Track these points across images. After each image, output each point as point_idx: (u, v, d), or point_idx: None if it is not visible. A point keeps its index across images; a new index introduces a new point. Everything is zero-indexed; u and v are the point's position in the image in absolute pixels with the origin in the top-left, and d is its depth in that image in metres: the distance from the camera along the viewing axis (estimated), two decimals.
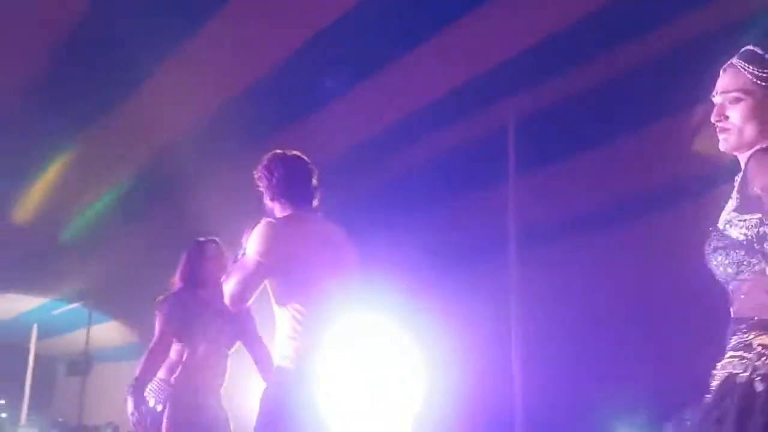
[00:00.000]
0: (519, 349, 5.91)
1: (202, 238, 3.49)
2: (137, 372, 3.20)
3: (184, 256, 3.46)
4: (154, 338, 3.30)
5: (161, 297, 3.40)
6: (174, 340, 3.31)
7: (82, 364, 10.64)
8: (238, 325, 3.33)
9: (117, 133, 6.45)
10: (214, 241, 3.45)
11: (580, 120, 6.03)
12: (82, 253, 8.62)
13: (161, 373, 3.28)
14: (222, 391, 3.37)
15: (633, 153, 6.13)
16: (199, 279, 3.38)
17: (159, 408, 3.20)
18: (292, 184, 2.72)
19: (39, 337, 12.05)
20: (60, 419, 11.20)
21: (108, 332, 11.28)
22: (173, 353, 3.32)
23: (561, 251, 7.03)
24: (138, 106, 5.96)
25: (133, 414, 3.11)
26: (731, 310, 1.66)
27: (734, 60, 1.69)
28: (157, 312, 3.32)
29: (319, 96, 5.84)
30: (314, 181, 2.77)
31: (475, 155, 6.43)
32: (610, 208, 6.72)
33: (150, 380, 3.24)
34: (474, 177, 6.73)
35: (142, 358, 3.28)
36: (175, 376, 3.26)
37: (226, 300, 2.63)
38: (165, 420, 3.16)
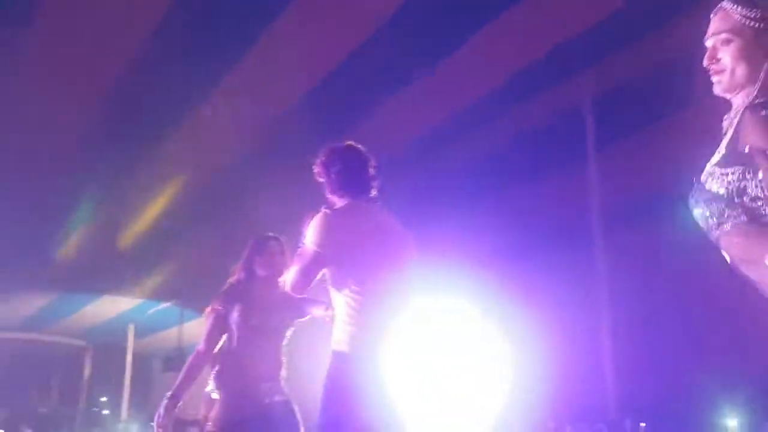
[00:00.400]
0: (608, 334, 5.77)
1: (268, 233, 3.60)
2: (178, 381, 3.33)
3: (246, 250, 3.56)
4: (202, 339, 3.40)
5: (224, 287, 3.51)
6: (226, 331, 3.40)
7: (176, 360, 11.03)
8: (292, 313, 3.42)
9: (192, 140, 6.69)
10: (276, 238, 3.54)
11: (661, 92, 5.81)
12: (171, 256, 9.00)
13: (223, 361, 3.38)
14: (282, 376, 3.42)
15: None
16: (256, 271, 3.46)
17: (214, 395, 3.33)
18: (349, 176, 2.81)
19: (135, 336, 12.62)
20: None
21: (198, 329, 11.67)
22: (229, 342, 3.40)
23: (647, 231, 6.80)
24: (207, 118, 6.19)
25: (157, 418, 3.23)
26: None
27: (724, 2, 1.67)
28: (213, 305, 3.44)
29: (384, 86, 5.84)
30: (371, 170, 2.86)
31: (553, 136, 6.29)
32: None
33: (185, 389, 3.32)
34: (553, 158, 6.58)
35: (187, 363, 3.40)
36: (224, 365, 3.36)
37: (288, 288, 2.77)
38: (217, 408, 3.29)
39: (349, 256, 2.66)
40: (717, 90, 1.71)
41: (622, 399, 5.76)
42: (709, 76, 1.71)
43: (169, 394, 3.29)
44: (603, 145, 6.09)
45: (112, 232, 8.35)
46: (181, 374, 3.33)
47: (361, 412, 2.56)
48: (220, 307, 3.39)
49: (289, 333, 3.46)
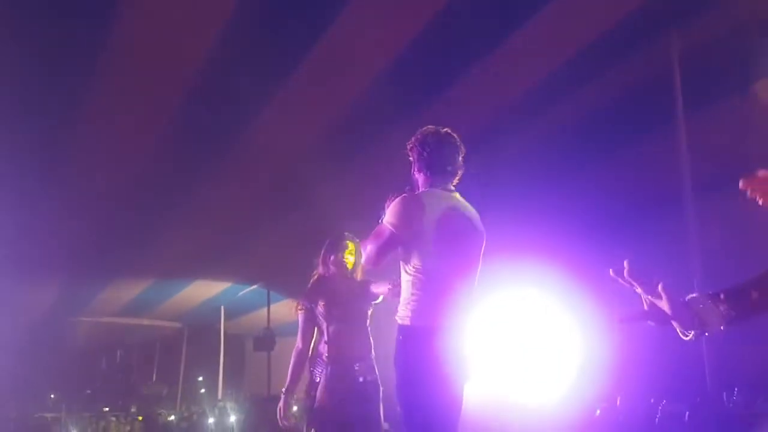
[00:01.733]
0: None
1: (346, 233, 3.98)
2: (288, 378, 3.82)
3: (323, 248, 3.96)
4: (298, 336, 3.84)
5: (309, 283, 3.95)
6: (316, 324, 3.82)
7: (266, 340, 11.41)
8: (367, 299, 3.80)
9: (272, 134, 6.84)
10: (349, 238, 3.92)
11: (752, 54, 5.47)
12: (257, 242, 9.26)
13: (319, 349, 3.81)
14: (372, 356, 3.79)
15: None
16: (333, 267, 3.87)
17: (318, 379, 3.73)
18: (441, 157, 2.93)
19: (226, 318, 13.12)
20: (251, 392, 12.13)
21: (285, 309, 12.02)
22: (321, 332, 3.82)
23: (740, 198, 6.44)
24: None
25: (281, 419, 3.76)
26: None
27: None
28: (300, 303, 3.86)
29: (461, 61, 5.75)
30: (460, 159, 2.96)
31: (639, 100, 6.02)
32: None
33: (296, 384, 3.84)
34: (638, 125, 6.31)
35: (291, 361, 3.84)
36: (320, 352, 3.77)
37: (363, 260, 2.97)
38: (320, 390, 3.68)
39: (423, 239, 2.79)
40: None
41: (719, 373, 5.53)
42: None
43: (283, 390, 3.81)
44: (692, 106, 5.79)
45: (203, 221, 8.68)
46: (289, 372, 3.81)
47: (432, 386, 2.67)
48: (306, 305, 3.81)
49: (370, 315, 3.84)
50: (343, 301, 3.77)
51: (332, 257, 3.86)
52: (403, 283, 2.90)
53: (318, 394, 3.66)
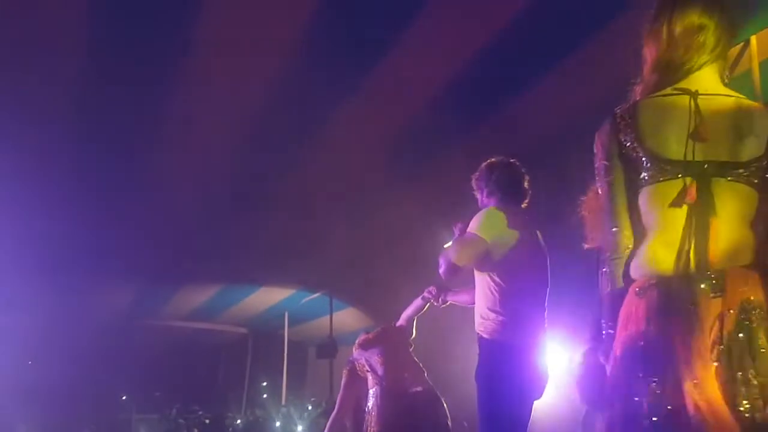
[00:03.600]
0: None
1: None
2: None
3: None
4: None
5: None
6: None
7: (329, 347, 11.50)
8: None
9: (334, 140, 6.89)
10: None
11: None
12: (321, 250, 9.39)
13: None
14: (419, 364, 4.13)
15: None
16: None
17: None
18: (509, 184, 3.14)
19: (290, 325, 13.30)
20: (313, 398, 12.24)
21: (348, 318, 12.13)
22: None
23: None
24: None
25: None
26: None
27: None
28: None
29: (539, 63, 5.64)
30: (525, 185, 3.16)
31: None
32: None
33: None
34: None
35: None
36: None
37: (442, 268, 2.97)
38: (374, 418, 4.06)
39: (503, 248, 2.82)
40: None
41: None
42: None
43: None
44: None
45: (268, 229, 8.87)
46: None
47: (516, 396, 2.68)
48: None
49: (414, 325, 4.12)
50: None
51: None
52: (478, 291, 2.94)
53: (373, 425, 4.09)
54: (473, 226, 2.96)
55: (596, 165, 1.79)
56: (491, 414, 2.78)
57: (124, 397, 14.13)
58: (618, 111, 1.79)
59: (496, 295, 2.86)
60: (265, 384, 15.57)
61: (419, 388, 3.78)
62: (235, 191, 8.03)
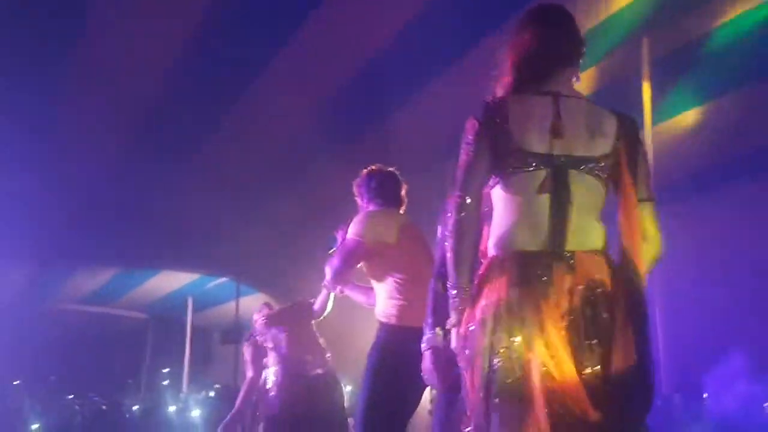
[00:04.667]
0: (663, 305, 5.64)
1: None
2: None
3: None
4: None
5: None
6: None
7: (234, 333, 11.39)
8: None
9: (251, 116, 6.81)
10: None
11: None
12: (228, 231, 9.25)
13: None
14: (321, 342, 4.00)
15: None
16: None
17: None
18: (387, 191, 3.25)
19: (194, 310, 13.06)
20: (217, 385, 12.08)
21: (255, 303, 12.02)
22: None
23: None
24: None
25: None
26: None
27: None
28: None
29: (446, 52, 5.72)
30: (403, 192, 3.30)
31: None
32: None
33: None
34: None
35: None
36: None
37: (328, 277, 3.06)
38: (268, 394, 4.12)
39: (388, 245, 2.99)
40: None
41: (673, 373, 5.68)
42: None
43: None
44: (658, 118, 5.91)
45: (171, 207, 8.63)
46: None
47: (405, 382, 2.79)
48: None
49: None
50: None
51: None
52: (377, 289, 3.06)
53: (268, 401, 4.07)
54: (352, 230, 3.09)
55: (466, 140, 1.95)
56: (373, 395, 2.91)
57: (16, 383, 13.44)
58: (490, 102, 1.98)
59: (392, 284, 3.02)
60: (166, 370, 15.23)
61: (320, 371, 3.82)
62: (137, 169, 7.76)
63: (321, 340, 4.17)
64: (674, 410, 5.75)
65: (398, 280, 3.02)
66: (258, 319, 4.40)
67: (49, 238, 9.06)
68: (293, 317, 4.22)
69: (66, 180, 7.65)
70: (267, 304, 4.71)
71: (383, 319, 3.04)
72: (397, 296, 3.01)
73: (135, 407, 11.28)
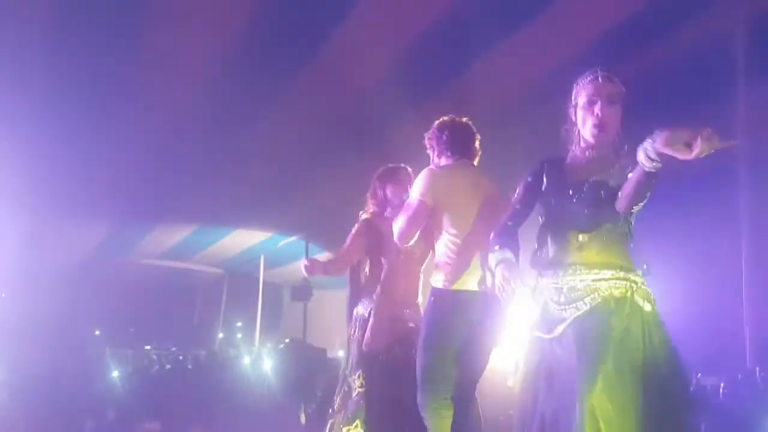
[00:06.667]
0: (750, 279, 5.43)
1: (392, 165, 3.69)
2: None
3: (375, 181, 3.65)
4: (346, 246, 3.59)
5: (363, 215, 3.67)
6: (368, 258, 3.58)
7: (304, 290, 11.57)
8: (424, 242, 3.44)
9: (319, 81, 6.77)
10: (405, 168, 3.62)
11: None
12: (299, 191, 9.34)
13: (372, 287, 3.55)
14: (419, 302, 3.58)
15: None
16: (388, 201, 3.58)
17: (367, 315, 3.50)
18: (459, 143, 3.09)
19: (266, 268, 13.34)
20: (287, 339, 12.38)
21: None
22: (374, 270, 3.56)
23: None
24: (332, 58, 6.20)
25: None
26: None
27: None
28: (356, 227, 3.61)
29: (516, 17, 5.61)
30: (476, 144, 3.12)
31: (699, 65, 5.81)
32: None
33: (326, 269, 3.59)
34: (698, 90, 6.09)
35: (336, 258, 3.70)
36: (376, 292, 3.49)
37: (396, 237, 2.94)
38: (368, 327, 3.46)
39: (448, 204, 2.91)
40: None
41: (760, 348, 5.44)
42: None
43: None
44: (755, 74, 5.57)
45: (247, 167, 8.76)
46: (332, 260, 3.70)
47: (448, 341, 2.75)
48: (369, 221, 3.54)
49: (425, 264, 3.55)
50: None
51: (390, 186, 3.53)
52: (436, 249, 2.97)
53: (366, 334, 3.46)
54: (415, 188, 2.99)
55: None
56: (425, 360, 2.88)
57: (97, 333, 14.18)
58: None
59: (445, 247, 2.92)
60: (239, 324, 15.71)
61: (412, 324, 3.55)
62: (214, 130, 7.88)
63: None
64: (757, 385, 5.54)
65: (451, 243, 2.92)
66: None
67: (129, 195, 9.39)
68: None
69: (145, 139, 7.85)
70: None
71: (433, 283, 2.97)
72: (447, 259, 2.90)
73: (211, 358, 11.69)
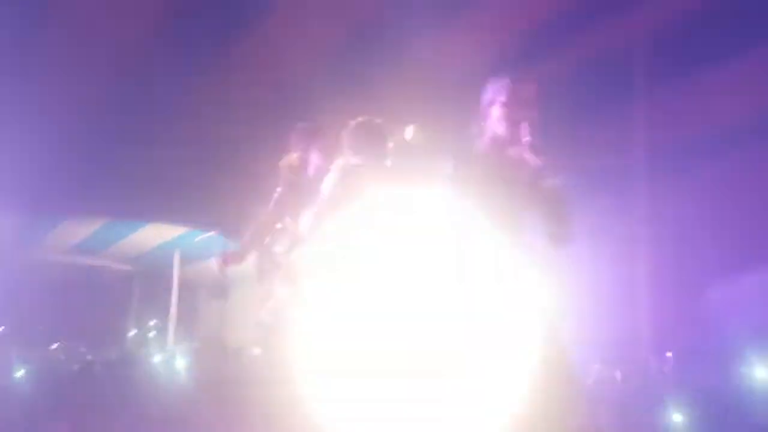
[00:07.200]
0: (646, 277, 5.75)
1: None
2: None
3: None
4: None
5: None
6: None
7: (221, 288, 11.40)
8: None
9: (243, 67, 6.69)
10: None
11: (717, 33, 5.58)
12: (216, 184, 9.17)
13: None
14: None
15: None
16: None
17: None
18: (371, 142, 3.24)
19: (181, 264, 13.04)
20: (203, 338, 12.16)
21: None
22: None
23: (693, 173, 6.66)
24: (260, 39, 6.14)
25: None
26: None
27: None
28: None
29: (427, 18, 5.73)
30: (390, 144, 3.31)
31: (600, 74, 6.14)
32: (747, 127, 6.26)
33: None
34: (598, 97, 6.43)
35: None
36: None
37: (303, 230, 2.99)
38: None
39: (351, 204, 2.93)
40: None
41: (657, 338, 5.78)
42: None
43: None
44: (654, 84, 5.91)
45: (157, 159, 8.53)
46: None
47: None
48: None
49: None
50: None
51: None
52: None
53: None
54: (324, 183, 3.04)
55: None
56: None
57: (1, 328, 13.45)
58: None
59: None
60: (152, 323, 15.28)
61: None
62: (124, 118, 7.63)
63: None
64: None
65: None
66: None
67: (33, 188, 8.95)
68: None
69: (48, 129, 7.52)
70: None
71: None
72: None
73: (120, 358, 11.34)
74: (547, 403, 1.97)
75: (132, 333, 15.21)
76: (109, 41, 6.19)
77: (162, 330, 13.67)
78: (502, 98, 2.38)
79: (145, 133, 7.92)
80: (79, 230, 11.94)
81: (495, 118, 2.38)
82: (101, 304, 16.27)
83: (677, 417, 4.81)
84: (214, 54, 6.56)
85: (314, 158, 3.61)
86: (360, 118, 3.22)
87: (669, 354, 5.62)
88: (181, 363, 9.88)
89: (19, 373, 7.11)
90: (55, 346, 11.72)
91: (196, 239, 12.04)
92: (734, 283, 6.09)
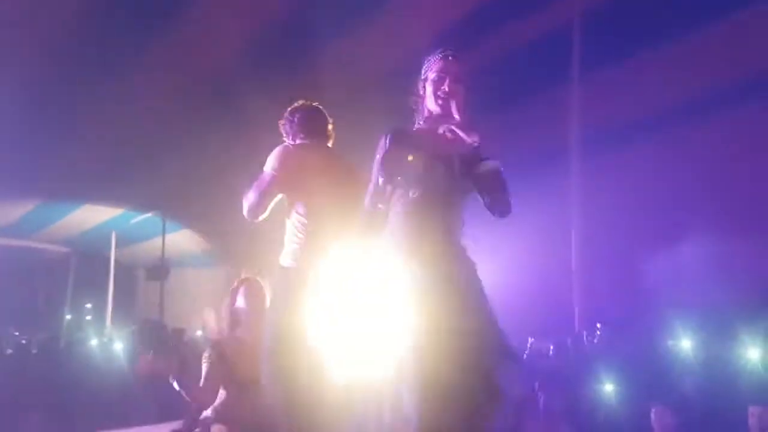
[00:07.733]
0: (579, 251, 5.94)
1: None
2: None
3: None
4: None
5: None
6: None
7: (160, 269, 11.23)
8: None
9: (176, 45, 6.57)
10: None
11: (651, 14, 5.76)
12: (154, 165, 8.99)
13: None
14: None
15: (703, 51, 5.88)
16: None
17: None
18: (311, 125, 3.16)
19: (118, 246, 12.76)
20: (142, 320, 11.97)
21: (182, 239, 11.84)
22: None
23: (624, 154, 6.89)
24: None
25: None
26: None
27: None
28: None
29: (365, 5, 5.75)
30: (329, 127, 3.21)
31: (537, 56, 6.26)
32: (678, 109, 6.51)
33: None
34: (535, 79, 6.57)
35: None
36: None
37: (245, 211, 2.99)
38: None
39: (298, 182, 2.95)
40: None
41: (588, 312, 6.00)
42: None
43: None
44: (589, 65, 6.08)
45: (96, 137, 8.30)
46: None
47: (297, 321, 2.82)
48: None
49: None
50: None
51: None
52: (287, 226, 3.05)
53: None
54: (267, 163, 3.03)
55: None
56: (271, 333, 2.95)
57: None
58: None
59: (298, 225, 3.00)
60: (89, 306, 14.92)
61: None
62: (59, 96, 7.39)
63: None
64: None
65: (299, 223, 2.98)
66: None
67: None
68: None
69: None
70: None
71: (281, 261, 3.02)
72: (295, 239, 2.99)
73: (55, 341, 11.06)
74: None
75: (68, 316, 14.85)
76: (42, 23, 5.98)
77: (99, 313, 13.39)
78: (432, 74, 2.43)
79: (80, 113, 7.69)
80: (12, 211, 11.53)
81: (427, 95, 2.44)
82: (36, 287, 15.81)
83: (608, 386, 5.02)
84: (146, 35, 6.41)
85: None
86: (298, 102, 3.24)
87: (599, 325, 5.85)
88: (118, 346, 9.72)
89: None
90: None
91: (133, 221, 11.80)
92: (667, 255, 6.37)
